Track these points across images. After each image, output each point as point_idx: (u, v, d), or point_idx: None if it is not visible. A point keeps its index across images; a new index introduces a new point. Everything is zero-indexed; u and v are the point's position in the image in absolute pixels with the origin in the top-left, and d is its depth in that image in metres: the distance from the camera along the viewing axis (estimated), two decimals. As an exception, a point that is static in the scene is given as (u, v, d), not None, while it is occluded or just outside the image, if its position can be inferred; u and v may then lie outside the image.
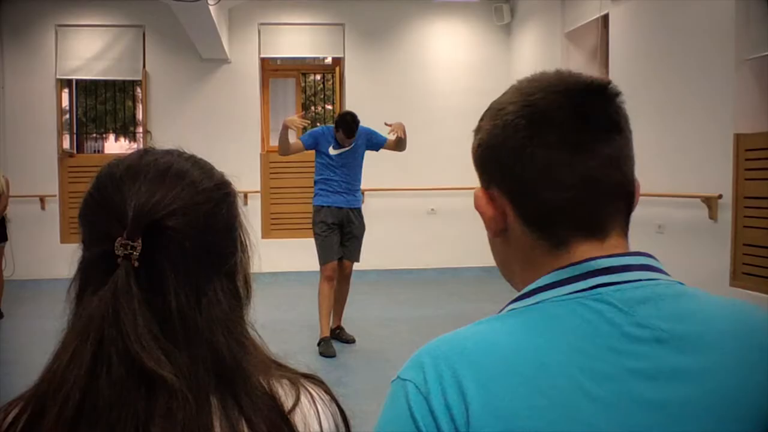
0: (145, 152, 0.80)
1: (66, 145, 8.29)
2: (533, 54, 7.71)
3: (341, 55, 8.28)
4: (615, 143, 0.71)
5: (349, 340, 5.19)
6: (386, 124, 5.18)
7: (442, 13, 8.28)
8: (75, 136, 8.70)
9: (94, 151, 11.32)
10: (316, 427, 0.78)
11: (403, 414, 0.64)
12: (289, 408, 0.76)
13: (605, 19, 6.17)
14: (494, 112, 0.75)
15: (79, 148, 9.00)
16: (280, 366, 0.82)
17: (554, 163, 0.70)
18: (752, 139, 4.31)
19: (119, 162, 0.78)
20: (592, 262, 0.69)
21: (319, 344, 4.92)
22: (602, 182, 0.70)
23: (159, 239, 0.72)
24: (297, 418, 0.76)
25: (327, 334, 4.98)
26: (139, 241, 0.71)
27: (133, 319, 0.69)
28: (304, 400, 0.78)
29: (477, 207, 0.76)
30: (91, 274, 0.74)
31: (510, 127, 0.72)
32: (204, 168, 0.81)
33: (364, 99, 8.04)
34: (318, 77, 10.17)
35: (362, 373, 4.48)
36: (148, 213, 0.72)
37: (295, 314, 6.16)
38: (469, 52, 8.37)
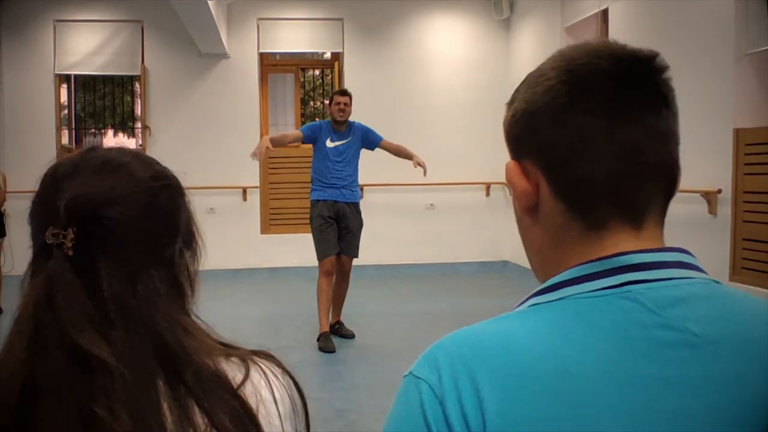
0: (90, 150, 0.82)
1: (65, 140, 8.28)
2: (532, 49, 7.70)
3: (340, 50, 8.27)
4: (662, 116, 0.65)
5: (349, 335, 5.20)
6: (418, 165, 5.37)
7: (442, 8, 8.27)
8: (74, 131, 8.69)
9: (93, 147, 11.30)
10: (269, 396, 0.78)
11: (415, 414, 0.60)
12: (238, 383, 0.77)
13: (605, 14, 6.17)
14: (533, 78, 0.70)
15: (78, 144, 9.00)
16: (228, 346, 0.83)
17: (596, 130, 0.64)
18: (752, 134, 4.31)
19: (63, 159, 0.81)
20: (624, 257, 0.63)
21: (318, 339, 4.92)
22: (645, 155, 0.64)
23: (93, 228, 0.74)
24: (247, 391, 0.77)
25: (326, 329, 4.98)
26: (71, 230, 0.73)
27: (67, 304, 0.71)
28: (254, 373, 0.79)
29: (508, 179, 0.71)
30: (35, 267, 0.76)
31: (551, 92, 0.66)
32: (145, 161, 0.83)
33: (363, 94, 8.02)
34: (317, 72, 10.17)
35: (362, 368, 4.48)
36: (82, 203, 0.74)
37: (294, 309, 6.16)
38: (469, 47, 8.36)
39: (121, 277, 0.75)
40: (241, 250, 7.86)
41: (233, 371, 0.78)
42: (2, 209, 6.26)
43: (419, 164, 5.35)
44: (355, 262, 5.30)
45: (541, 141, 0.67)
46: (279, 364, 0.83)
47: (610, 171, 0.64)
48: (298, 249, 7.31)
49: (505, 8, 8.10)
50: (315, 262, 5.13)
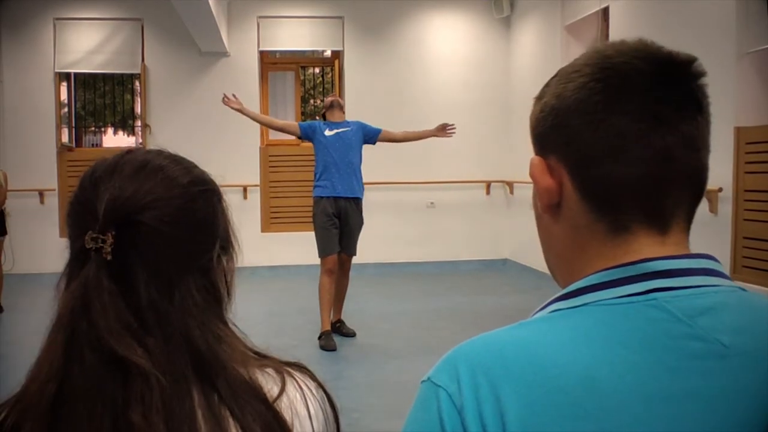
0: (128, 152, 0.82)
1: (65, 138, 8.27)
2: (533, 47, 7.70)
3: (340, 49, 8.27)
4: (695, 123, 0.65)
5: (350, 334, 5.20)
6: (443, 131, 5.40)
7: (442, 6, 8.26)
8: (74, 129, 8.69)
9: (93, 145, 11.31)
10: (304, 412, 0.78)
11: (432, 423, 0.59)
12: (275, 396, 0.76)
13: (605, 12, 6.16)
14: (565, 74, 0.68)
15: (78, 142, 8.99)
16: (262, 356, 0.82)
17: (631, 133, 0.62)
18: (753, 133, 4.31)
19: (101, 161, 0.80)
20: (649, 264, 0.61)
21: (319, 338, 4.93)
22: (678, 163, 0.63)
23: (131, 233, 0.74)
24: (283, 405, 0.76)
25: (328, 327, 4.98)
26: (110, 234, 0.72)
27: (103, 311, 0.71)
28: (290, 386, 0.79)
29: (532, 175, 0.68)
30: (72, 270, 0.75)
31: (584, 89, 0.64)
32: (183, 164, 0.82)
33: (363, 92, 8.03)
34: (317, 70, 10.17)
35: (363, 366, 4.48)
36: (120, 207, 0.74)
37: (295, 308, 6.16)
38: (469, 46, 8.35)
39: (159, 283, 0.74)
40: (242, 248, 7.85)
41: (269, 383, 0.77)
42: (3, 207, 6.25)
43: (443, 131, 5.39)
44: (356, 260, 5.30)
45: (571, 139, 0.65)
46: (313, 378, 0.83)
47: (640, 175, 0.63)
48: (299, 247, 7.32)
49: (505, 6, 8.09)
50: (315, 260, 5.13)
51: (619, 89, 0.63)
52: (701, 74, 0.66)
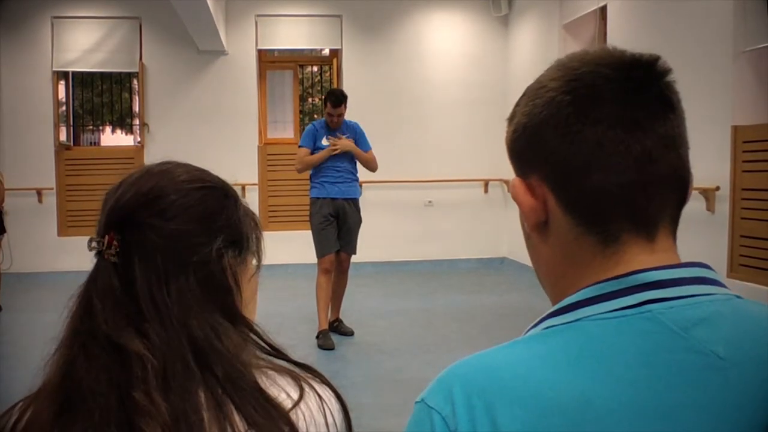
0: (145, 167, 0.88)
1: (63, 137, 8.26)
2: (531, 46, 7.70)
3: (338, 47, 8.26)
4: (670, 122, 0.64)
5: (348, 333, 5.21)
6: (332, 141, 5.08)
7: (440, 4, 8.26)
8: (72, 128, 8.69)
9: (91, 144, 11.29)
10: (321, 420, 0.81)
11: None
12: (291, 403, 0.79)
13: (603, 10, 6.16)
14: (533, 91, 0.68)
15: (76, 141, 9.00)
16: (277, 353, 0.86)
17: (607, 141, 0.62)
18: (750, 131, 4.31)
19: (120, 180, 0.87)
20: (642, 275, 0.61)
21: (317, 337, 4.94)
22: (658, 164, 0.62)
23: (132, 233, 0.80)
24: (300, 413, 0.79)
25: (325, 326, 4.99)
26: (108, 236, 0.80)
27: (102, 305, 0.78)
28: (308, 395, 0.81)
29: (515, 197, 0.68)
30: None
31: (553, 104, 0.64)
32: (186, 167, 0.87)
33: (362, 91, 8.02)
34: (315, 69, 10.16)
35: (361, 365, 4.49)
36: (118, 211, 0.81)
37: (293, 307, 6.16)
38: (467, 44, 8.35)
39: (156, 276, 0.79)
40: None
41: (284, 390, 0.81)
42: (1, 206, 6.25)
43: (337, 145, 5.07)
44: (354, 259, 5.30)
45: (548, 154, 0.65)
46: (332, 388, 0.86)
47: (622, 182, 0.62)
48: (297, 246, 7.31)
49: (503, 5, 8.09)
50: (313, 260, 5.13)
51: (588, 99, 0.63)
52: (667, 71, 0.65)
